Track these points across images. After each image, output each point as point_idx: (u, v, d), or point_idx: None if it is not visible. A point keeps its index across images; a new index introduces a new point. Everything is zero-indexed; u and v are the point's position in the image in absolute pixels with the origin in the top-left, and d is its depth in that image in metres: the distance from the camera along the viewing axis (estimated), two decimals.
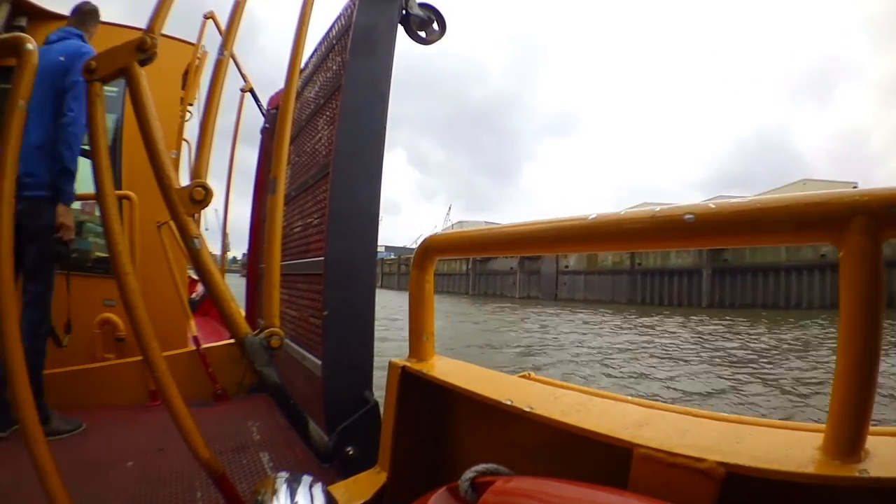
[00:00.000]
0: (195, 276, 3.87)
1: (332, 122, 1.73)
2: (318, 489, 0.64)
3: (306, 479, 0.65)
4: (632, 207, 0.65)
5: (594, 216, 0.66)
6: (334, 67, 1.86)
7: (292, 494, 0.61)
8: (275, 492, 0.61)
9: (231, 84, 2.98)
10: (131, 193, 2.56)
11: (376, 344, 1.62)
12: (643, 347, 10.89)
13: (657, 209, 0.60)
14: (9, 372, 0.85)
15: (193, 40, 3.26)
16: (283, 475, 0.65)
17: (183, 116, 3.52)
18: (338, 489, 0.99)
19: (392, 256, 59.77)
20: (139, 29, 0.95)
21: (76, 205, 3.40)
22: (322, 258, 1.62)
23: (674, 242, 0.61)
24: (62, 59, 2.05)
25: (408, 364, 1.00)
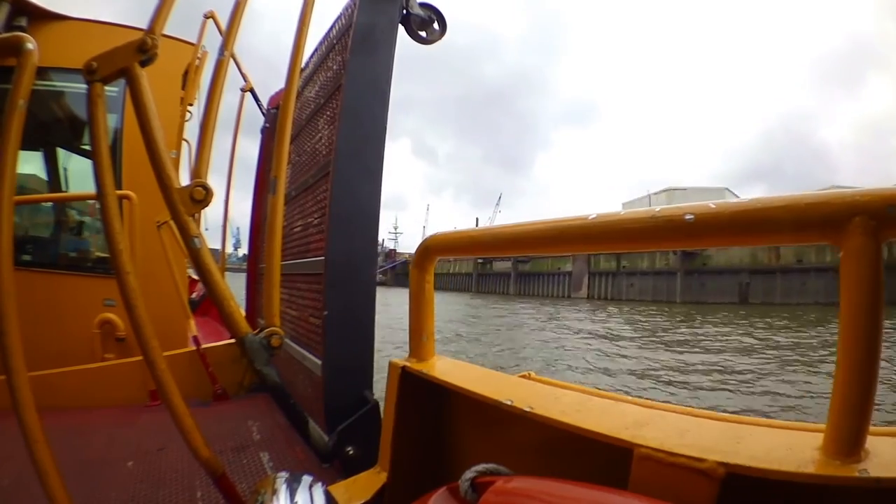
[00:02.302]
0: (195, 276, 3.87)
1: (333, 122, 1.73)
2: (318, 489, 0.64)
3: (306, 478, 0.65)
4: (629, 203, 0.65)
5: (594, 216, 0.66)
6: (335, 67, 1.86)
7: (292, 494, 0.61)
8: (275, 491, 0.61)
9: (231, 84, 2.97)
10: (131, 193, 2.55)
11: None
12: None
13: (657, 209, 0.60)
14: (8, 372, 0.85)
15: (193, 40, 3.26)
16: (283, 475, 0.65)
17: (183, 116, 3.52)
18: (338, 489, 0.99)
19: None
20: (140, 29, 0.95)
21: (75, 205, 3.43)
22: (322, 258, 1.62)
23: (674, 242, 0.61)
24: None
25: (408, 364, 1.00)
